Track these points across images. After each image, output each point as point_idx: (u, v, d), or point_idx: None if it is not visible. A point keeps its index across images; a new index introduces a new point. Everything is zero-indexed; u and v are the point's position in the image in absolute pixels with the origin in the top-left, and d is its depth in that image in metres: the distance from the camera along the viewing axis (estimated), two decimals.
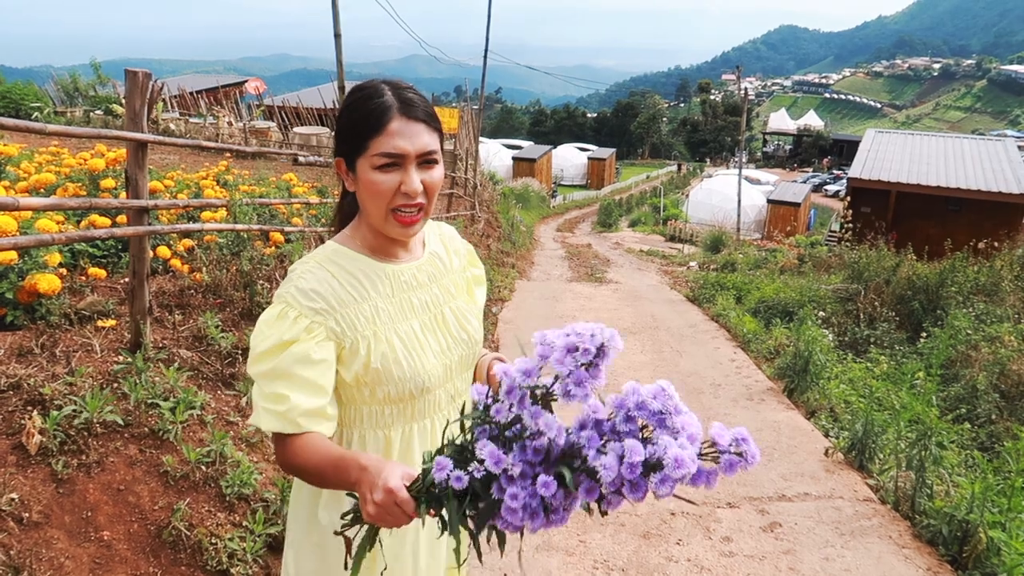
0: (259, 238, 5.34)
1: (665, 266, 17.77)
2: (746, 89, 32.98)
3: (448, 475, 0.98)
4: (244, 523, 2.77)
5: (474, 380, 1.54)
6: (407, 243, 1.42)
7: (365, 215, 1.36)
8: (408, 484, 1.04)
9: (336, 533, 1.17)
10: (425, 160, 1.31)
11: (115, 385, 3.02)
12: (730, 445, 0.95)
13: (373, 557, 1.26)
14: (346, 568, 1.15)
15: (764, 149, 76.73)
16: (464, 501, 1.00)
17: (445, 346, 1.41)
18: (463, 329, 1.46)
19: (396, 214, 1.30)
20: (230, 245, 5.01)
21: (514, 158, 44.40)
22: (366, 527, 1.13)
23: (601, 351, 0.96)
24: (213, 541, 2.60)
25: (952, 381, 6.35)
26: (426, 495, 1.02)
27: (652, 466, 0.93)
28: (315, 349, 1.26)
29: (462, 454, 1.01)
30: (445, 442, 1.06)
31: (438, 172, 1.34)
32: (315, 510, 1.37)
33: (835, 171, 53.84)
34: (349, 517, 1.15)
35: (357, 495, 1.11)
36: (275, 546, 2.68)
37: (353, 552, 1.14)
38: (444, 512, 1.02)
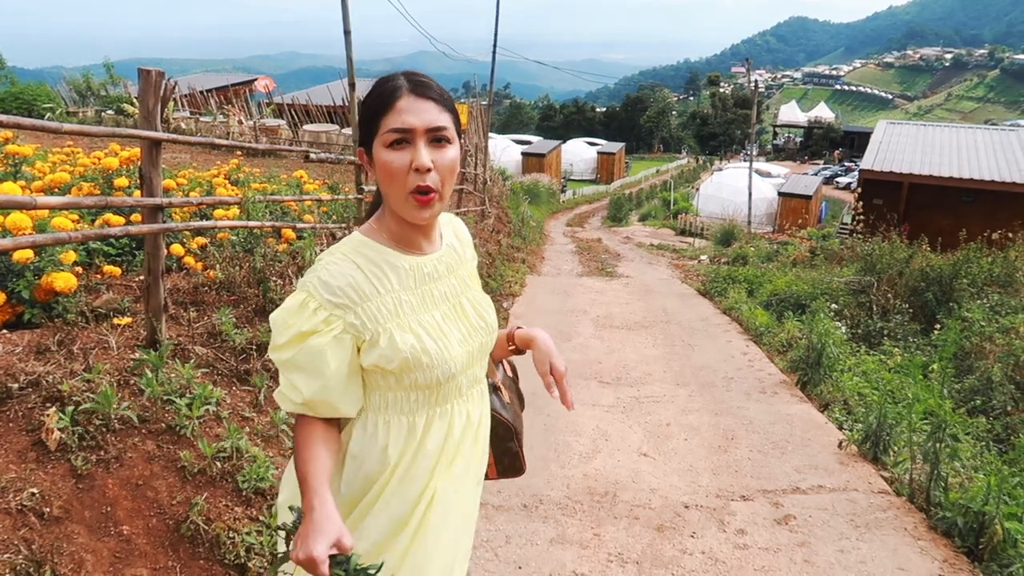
0: (271, 235, 5.37)
1: (676, 260, 17.72)
2: (756, 81, 32.66)
3: None
4: (261, 517, 2.80)
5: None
6: (429, 232, 1.44)
7: (387, 201, 1.38)
8: (333, 555, 1.14)
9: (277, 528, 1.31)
10: (436, 137, 1.31)
11: (132, 382, 3.05)
12: None
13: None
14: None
15: (774, 142, 76.14)
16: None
17: (467, 333, 1.45)
18: (481, 318, 1.50)
19: (414, 195, 1.31)
20: (243, 242, 5.04)
21: (523, 153, 44.30)
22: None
23: None
24: (231, 535, 2.62)
25: (967, 373, 6.29)
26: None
27: None
28: (331, 343, 1.30)
29: None
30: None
31: (451, 152, 1.34)
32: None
33: (846, 163, 53.37)
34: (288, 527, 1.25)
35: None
36: None
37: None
38: None
